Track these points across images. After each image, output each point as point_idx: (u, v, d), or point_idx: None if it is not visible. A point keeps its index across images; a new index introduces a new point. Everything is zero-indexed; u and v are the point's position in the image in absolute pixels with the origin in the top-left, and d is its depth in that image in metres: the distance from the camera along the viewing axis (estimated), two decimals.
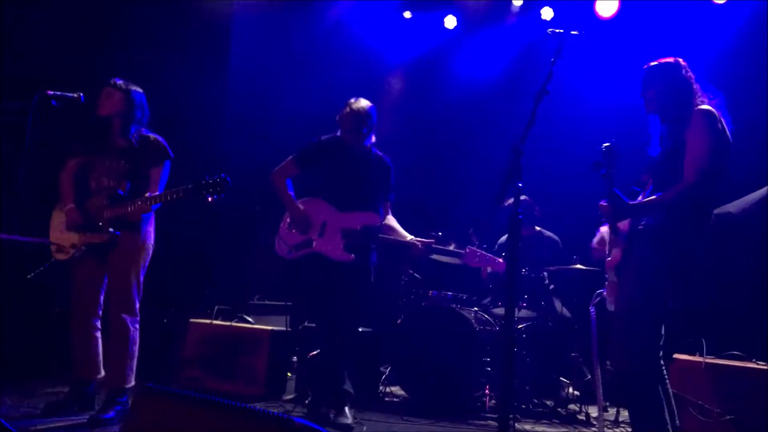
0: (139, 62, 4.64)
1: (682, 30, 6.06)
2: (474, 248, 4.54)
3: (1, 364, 5.02)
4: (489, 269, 5.68)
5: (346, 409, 4.37)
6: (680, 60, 3.41)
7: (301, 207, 4.51)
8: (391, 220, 4.63)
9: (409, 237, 4.54)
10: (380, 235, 4.55)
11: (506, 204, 5.64)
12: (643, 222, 3.31)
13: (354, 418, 4.38)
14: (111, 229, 4.11)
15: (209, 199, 4.04)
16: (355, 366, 5.24)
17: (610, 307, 3.49)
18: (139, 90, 4.38)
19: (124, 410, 4.09)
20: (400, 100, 7.66)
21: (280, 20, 7.09)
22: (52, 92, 3.81)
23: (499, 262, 4.50)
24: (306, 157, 4.57)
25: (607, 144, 3.34)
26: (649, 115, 3.47)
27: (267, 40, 7.05)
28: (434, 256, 5.21)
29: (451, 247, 4.61)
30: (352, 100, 4.51)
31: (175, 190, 4.12)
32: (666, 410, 3.19)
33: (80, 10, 6.12)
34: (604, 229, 3.67)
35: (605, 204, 3.32)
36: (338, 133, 4.56)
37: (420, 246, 4.43)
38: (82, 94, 3.94)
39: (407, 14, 7.58)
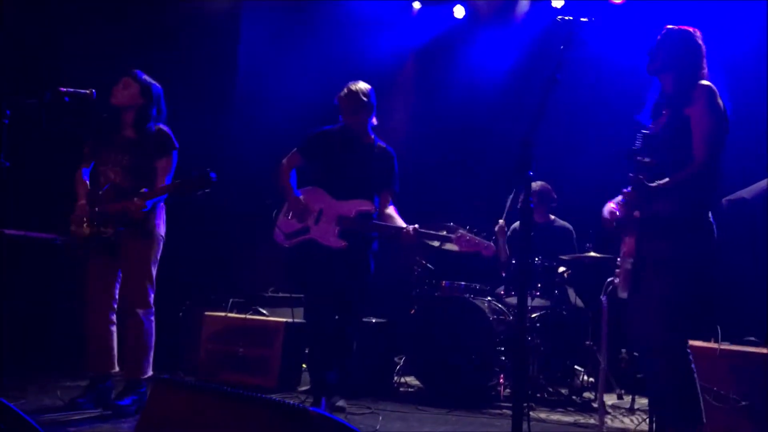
0: (146, 60, 4.65)
1: (696, 14, 5.99)
2: (464, 232, 4.35)
3: (22, 360, 5.10)
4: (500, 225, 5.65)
5: (323, 400, 4.34)
6: (697, 31, 3.41)
7: (299, 195, 4.54)
8: (391, 210, 4.57)
9: (403, 225, 4.45)
10: (374, 222, 4.51)
11: (497, 228, 5.64)
12: (655, 208, 3.27)
13: (334, 407, 4.37)
14: (115, 225, 4.13)
15: (198, 193, 4.06)
16: (369, 356, 5.28)
17: (623, 295, 3.47)
18: (158, 86, 4.38)
19: (141, 400, 4.13)
20: (412, 92, 7.64)
21: (288, 16, 7.09)
22: (64, 89, 3.84)
23: (489, 245, 4.32)
24: (308, 146, 4.61)
25: (645, 131, 3.32)
26: (651, 80, 3.47)
27: (275, 36, 7.04)
28: (434, 243, 5.05)
29: (443, 233, 4.48)
30: (351, 82, 4.53)
31: (167, 186, 4.14)
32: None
33: (87, 7, 6.15)
34: (611, 205, 3.59)
35: (629, 191, 3.27)
36: (341, 122, 4.58)
37: (410, 231, 4.32)
38: (94, 91, 3.95)
39: (416, 5, 7.57)
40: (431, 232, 4.38)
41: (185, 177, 4.08)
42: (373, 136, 4.64)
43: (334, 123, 4.67)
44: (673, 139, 3.26)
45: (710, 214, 3.31)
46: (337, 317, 4.46)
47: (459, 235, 4.33)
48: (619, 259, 3.49)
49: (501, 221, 5.69)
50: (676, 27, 3.43)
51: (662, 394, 3.35)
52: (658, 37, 3.43)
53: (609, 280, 4.88)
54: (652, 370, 3.37)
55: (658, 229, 3.28)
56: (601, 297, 4.10)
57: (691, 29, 3.42)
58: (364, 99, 4.49)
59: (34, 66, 5.88)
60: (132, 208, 4.10)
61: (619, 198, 3.44)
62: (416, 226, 4.35)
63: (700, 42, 3.39)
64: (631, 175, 3.21)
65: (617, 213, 3.42)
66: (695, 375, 3.27)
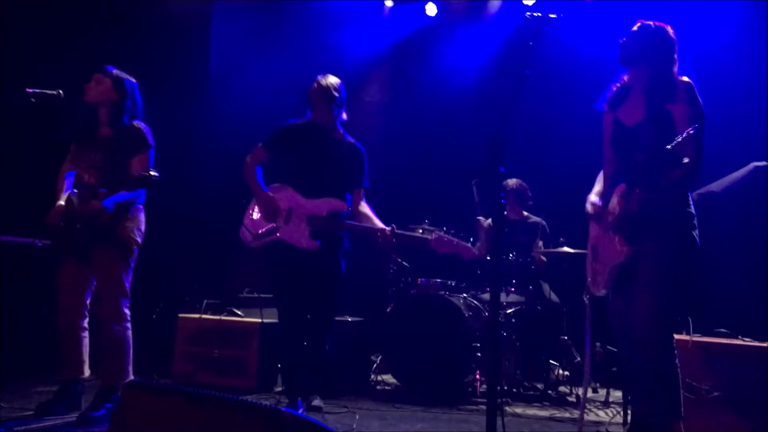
0: (119, 58, 4.60)
1: (670, 11, 6.03)
2: (441, 234, 4.33)
3: None
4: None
5: (299, 401, 4.26)
6: (670, 27, 3.44)
7: (269, 194, 4.41)
8: (365, 208, 4.51)
9: (379, 225, 4.39)
10: (348, 222, 4.41)
11: (486, 224, 5.67)
12: (645, 208, 3.27)
13: (309, 407, 4.32)
14: (81, 231, 4.01)
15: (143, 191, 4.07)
16: (345, 355, 5.28)
17: (601, 292, 3.50)
18: (132, 79, 4.28)
19: (113, 409, 4.07)
20: (384, 90, 7.64)
21: (259, 13, 7.05)
22: (31, 90, 3.77)
23: (467, 248, 4.27)
24: (275, 140, 4.49)
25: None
26: (620, 67, 3.51)
27: (246, 34, 7.00)
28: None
29: (420, 232, 4.44)
30: (320, 76, 4.46)
31: (121, 186, 4.00)
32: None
33: (61, 6, 6.07)
34: (593, 197, 3.63)
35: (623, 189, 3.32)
36: (308, 116, 4.50)
37: (387, 233, 4.27)
38: (62, 92, 3.87)
39: (388, 3, 7.56)
40: (408, 233, 4.36)
41: (132, 176, 3.98)
42: (342, 132, 4.55)
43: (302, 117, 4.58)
44: (657, 134, 3.27)
45: (693, 213, 3.37)
46: (309, 317, 4.38)
47: (436, 236, 4.28)
48: (587, 253, 3.54)
49: (481, 218, 5.72)
50: (653, 23, 3.46)
51: (644, 387, 3.39)
52: (632, 29, 3.47)
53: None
54: (637, 364, 3.40)
55: (648, 229, 3.31)
56: (584, 297, 4.10)
57: (665, 26, 3.46)
58: (335, 94, 4.41)
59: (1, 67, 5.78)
60: (93, 211, 3.97)
61: (597, 188, 3.51)
62: (393, 226, 4.32)
63: (674, 36, 3.43)
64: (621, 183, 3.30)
65: (599, 203, 3.50)
66: (678, 369, 3.33)
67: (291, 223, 4.34)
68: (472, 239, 5.43)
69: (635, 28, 3.47)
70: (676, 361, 3.33)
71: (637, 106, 3.45)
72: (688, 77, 3.37)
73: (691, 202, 3.38)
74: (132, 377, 4.15)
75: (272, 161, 4.54)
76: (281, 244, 4.34)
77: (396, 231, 4.30)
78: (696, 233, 3.35)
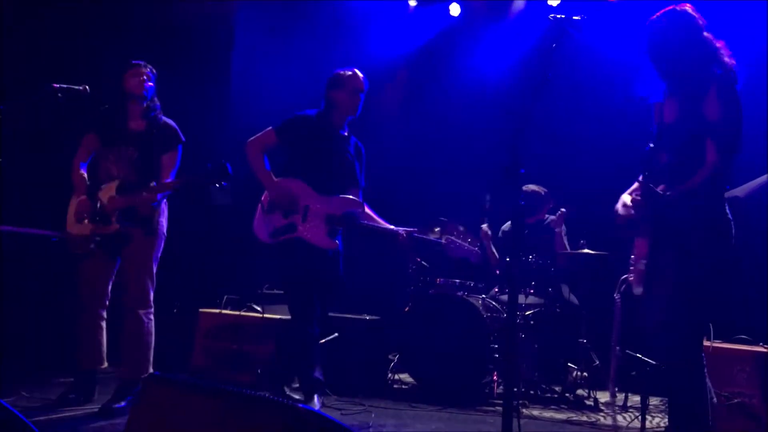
0: (139, 57, 4.65)
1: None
2: (452, 238, 4.32)
3: (15, 357, 5.09)
4: (483, 231, 5.67)
5: (316, 396, 4.21)
6: (688, 6, 3.17)
7: (282, 185, 4.20)
8: (366, 208, 4.42)
9: (390, 226, 4.37)
10: (363, 222, 4.32)
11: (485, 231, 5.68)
12: (668, 217, 3.09)
13: (324, 405, 4.33)
14: (121, 221, 4.09)
15: (217, 185, 4.02)
16: (362, 354, 5.29)
17: (638, 291, 3.37)
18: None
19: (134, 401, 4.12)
20: (408, 90, 7.63)
21: (282, 14, 7.07)
22: (57, 85, 3.84)
23: (475, 252, 4.32)
24: (288, 129, 4.25)
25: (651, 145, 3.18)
26: (653, 76, 3.25)
27: (270, 34, 7.02)
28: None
29: (434, 235, 4.47)
30: (356, 69, 4.32)
31: (180, 180, 4.13)
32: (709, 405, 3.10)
33: (81, 11, 6.14)
34: (626, 197, 3.48)
35: (639, 198, 3.13)
36: (320, 109, 4.34)
37: (404, 235, 4.24)
38: (87, 87, 3.95)
39: (412, 3, 7.56)
40: (424, 237, 4.32)
41: (198, 170, 4.05)
42: (347, 129, 4.44)
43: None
44: (686, 137, 3.08)
45: (727, 210, 3.13)
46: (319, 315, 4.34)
47: (448, 241, 4.30)
48: (632, 258, 3.42)
49: (484, 226, 5.72)
50: (665, 14, 3.18)
51: (674, 398, 3.26)
52: (649, 32, 3.20)
53: (623, 278, 4.89)
54: (667, 375, 3.23)
55: (670, 236, 3.11)
56: (615, 295, 4.04)
57: (680, 8, 3.16)
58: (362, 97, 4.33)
59: (29, 64, 5.86)
60: (140, 202, 4.08)
61: (635, 186, 3.25)
62: (413, 230, 4.28)
63: (699, 24, 3.13)
64: (640, 180, 3.10)
65: (631, 210, 3.20)
66: (707, 379, 3.13)
67: (308, 221, 4.17)
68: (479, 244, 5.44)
69: (654, 31, 3.19)
70: (704, 371, 3.12)
71: (673, 103, 3.21)
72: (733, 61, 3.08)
73: (723, 206, 3.12)
74: (152, 370, 4.20)
75: (272, 152, 4.33)
76: (300, 242, 4.17)
77: (414, 235, 4.26)
78: (722, 245, 3.09)
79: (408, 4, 7.55)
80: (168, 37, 6.46)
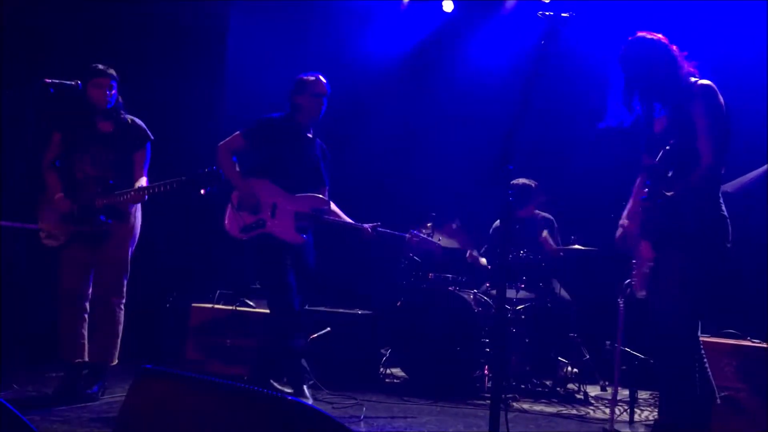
0: (135, 63, 4.66)
1: (687, 12, 5.99)
2: (416, 232, 4.69)
3: (5, 349, 5.09)
4: (469, 253, 5.77)
5: (305, 388, 4.45)
6: (660, 36, 3.35)
7: (250, 185, 4.42)
8: (332, 204, 4.67)
9: (352, 221, 4.70)
10: (326, 218, 4.58)
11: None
12: (668, 219, 3.25)
13: (315, 399, 4.48)
14: (102, 218, 4.18)
15: (202, 191, 4.11)
16: (354, 348, 5.33)
17: (641, 295, 3.46)
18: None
19: (103, 386, 4.27)
20: (402, 87, 7.62)
21: (277, 13, 7.06)
22: (50, 80, 3.86)
23: (437, 244, 4.76)
24: (255, 132, 4.46)
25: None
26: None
27: (264, 32, 7.01)
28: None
29: (426, 230, 4.76)
30: (320, 75, 4.54)
31: (170, 182, 4.16)
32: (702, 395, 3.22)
33: (75, 11, 6.12)
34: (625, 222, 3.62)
35: (644, 203, 3.31)
36: (287, 112, 4.55)
37: (369, 230, 4.58)
38: (80, 82, 4.00)
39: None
40: (387, 231, 4.64)
41: (191, 173, 4.12)
42: (312, 132, 4.66)
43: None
44: (677, 145, 3.23)
45: (723, 207, 3.28)
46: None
47: (411, 235, 4.67)
48: (634, 262, 3.49)
49: (469, 252, 5.80)
50: (638, 39, 3.37)
51: (663, 392, 3.39)
52: (624, 54, 3.39)
53: (627, 282, 4.93)
54: (661, 366, 3.37)
55: (670, 237, 3.26)
56: (618, 300, 4.11)
57: (653, 36, 3.35)
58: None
59: (19, 59, 5.85)
60: (129, 201, 4.20)
61: (629, 206, 3.52)
62: (377, 224, 4.61)
63: (669, 47, 3.33)
64: (648, 184, 3.30)
65: (631, 229, 3.49)
66: (709, 373, 3.26)
67: (277, 217, 4.41)
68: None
69: (629, 53, 3.37)
70: (706, 365, 3.25)
71: (661, 116, 3.40)
72: (710, 78, 3.29)
73: (720, 206, 3.28)
74: (117, 359, 4.33)
75: (240, 153, 4.51)
76: (269, 237, 4.39)
77: (378, 229, 4.59)
78: (722, 241, 3.25)
79: (401, 1, 7.55)
80: (162, 36, 6.46)
